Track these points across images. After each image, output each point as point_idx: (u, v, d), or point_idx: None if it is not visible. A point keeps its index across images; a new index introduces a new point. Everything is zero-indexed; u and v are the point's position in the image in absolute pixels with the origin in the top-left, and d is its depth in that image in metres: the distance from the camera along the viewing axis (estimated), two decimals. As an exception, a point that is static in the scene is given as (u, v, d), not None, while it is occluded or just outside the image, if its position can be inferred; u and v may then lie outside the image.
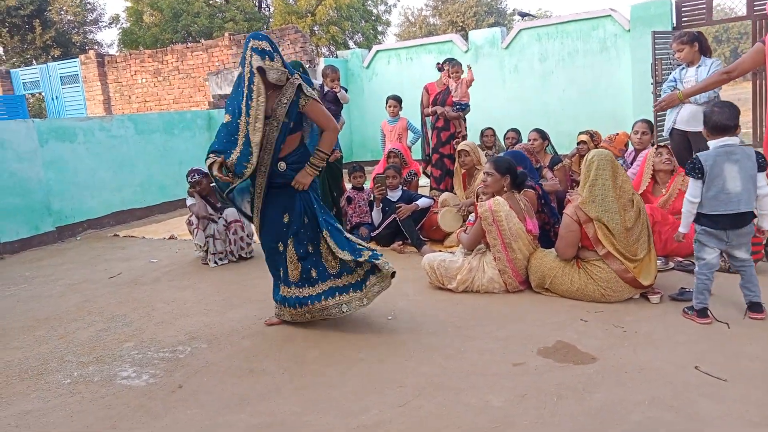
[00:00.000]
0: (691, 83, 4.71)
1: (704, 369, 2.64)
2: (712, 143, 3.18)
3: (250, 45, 3.17)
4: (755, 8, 9.07)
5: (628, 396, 2.47)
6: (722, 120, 3.11)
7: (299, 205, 3.34)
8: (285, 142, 3.28)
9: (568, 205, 3.68)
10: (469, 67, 6.24)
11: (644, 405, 2.39)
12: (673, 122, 4.99)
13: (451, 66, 6.10)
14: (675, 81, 4.96)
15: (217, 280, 4.69)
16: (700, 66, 4.80)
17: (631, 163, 5.12)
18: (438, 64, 6.29)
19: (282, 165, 3.29)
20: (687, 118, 4.82)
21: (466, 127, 6.27)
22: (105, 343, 3.45)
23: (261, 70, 3.14)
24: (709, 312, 3.18)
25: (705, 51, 4.82)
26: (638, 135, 5.07)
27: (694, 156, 3.22)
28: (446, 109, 6.01)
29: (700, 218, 3.18)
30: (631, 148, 5.38)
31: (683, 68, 4.93)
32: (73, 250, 6.22)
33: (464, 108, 6.10)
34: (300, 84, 3.23)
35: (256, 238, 5.60)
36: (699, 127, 3.71)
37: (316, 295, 3.35)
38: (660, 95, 5.19)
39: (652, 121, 5.84)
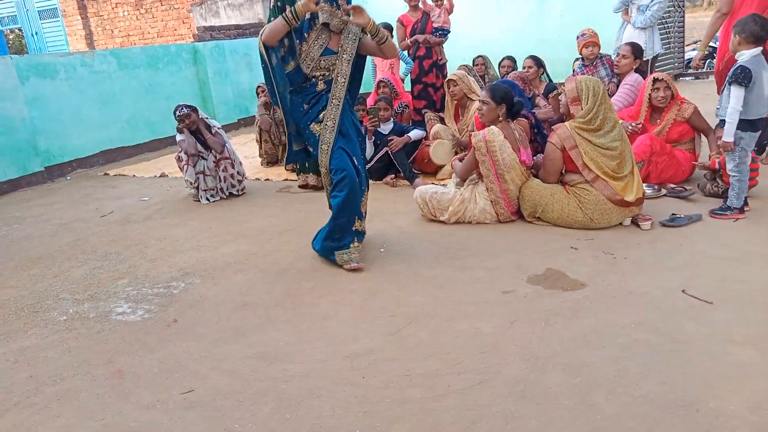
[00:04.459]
0: (641, 5, 5.23)
1: (691, 293, 2.67)
2: (748, 52, 3.41)
3: None
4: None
5: (616, 320, 2.51)
6: (758, 30, 3.38)
7: (350, 125, 3.42)
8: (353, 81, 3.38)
9: (552, 134, 3.67)
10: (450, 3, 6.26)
11: (631, 328, 2.43)
12: (620, 40, 5.42)
13: None
14: (627, 3, 5.43)
15: (209, 216, 4.67)
16: None
17: (616, 87, 5.04)
18: None
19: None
20: (627, 38, 5.26)
21: (444, 55, 6.26)
22: (99, 281, 3.47)
23: (326, 24, 3.22)
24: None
25: None
26: (618, 58, 5.02)
27: (740, 65, 3.41)
28: (428, 36, 5.90)
29: (740, 125, 3.43)
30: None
31: None
32: (63, 189, 6.16)
33: (446, 34, 6.11)
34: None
35: (248, 174, 5.61)
36: None
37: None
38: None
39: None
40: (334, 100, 3.28)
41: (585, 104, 3.57)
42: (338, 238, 3.34)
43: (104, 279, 3.50)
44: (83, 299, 3.22)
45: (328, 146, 3.27)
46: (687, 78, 9.88)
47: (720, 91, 4.65)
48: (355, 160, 3.33)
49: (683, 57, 10.00)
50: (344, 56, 3.27)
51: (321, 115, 3.28)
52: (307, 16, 3.19)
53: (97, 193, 5.81)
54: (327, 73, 3.27)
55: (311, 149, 3.37)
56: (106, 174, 6.77)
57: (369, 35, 3.28)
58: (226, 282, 3.31)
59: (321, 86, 3.29)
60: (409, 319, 2.68)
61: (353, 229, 3.34)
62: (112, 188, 6.00)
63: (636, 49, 4.92)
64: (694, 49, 10.76)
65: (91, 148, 7.25)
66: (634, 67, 4.93)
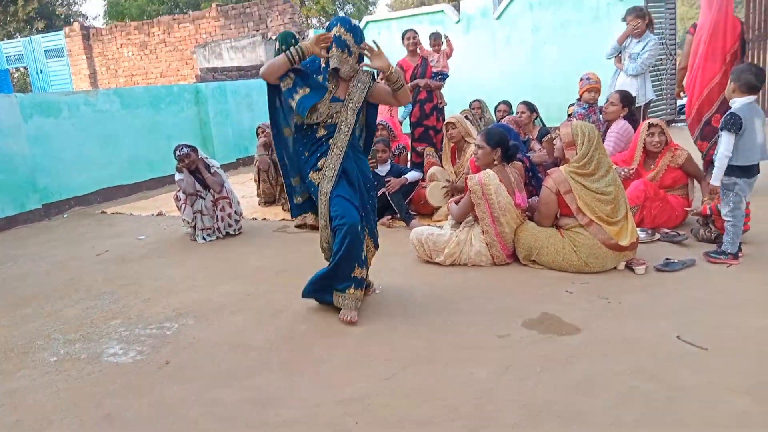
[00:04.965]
0: (633, 53, 5.38)
1: (686, 339, 2.66)
2: (740, 100, 3.50)
3: (334, 31, 3.00)
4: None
5: (611, 367, 2.49)
6: (752, 80, 3.48)
7: (357, 174, 3.23)
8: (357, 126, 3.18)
9: (547, 178, 3.72)
10: (447, 38, 6.34)
11: (626, 375, 2.42)
12: (614, 87, 5.52)
13: (432, 39, 6.24)
14: (620, 49, 5.58)
15: (206, 256, 4.68)
16: (640, 41, 5.33)
17: (603, 134, 5.12)
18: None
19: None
20: (620, 84, 5.41)
21: (444, 99, 6.37)
22: (92, 321, 3.45)
23: (336, 70, 3.05)
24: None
25: (650, 25, 5.41)
26: (606, 104, 5.13)
27: (731, 112, 3.47)
28: (429, 81, 6.00)
29: (734, 171, 3.47)
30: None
31: (631, 39, 5.45)
32: (60, 227, 6.17)
33: (445, 78, 6.20)
34: (373, 72, 3.20)
35: (245, 214, 5.64)
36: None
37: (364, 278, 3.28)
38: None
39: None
40: (335, 149, 3.10)
41: (580, 149, 3.63)
42: (336, 279, 3.18)
43: (97, 319, 3.47)
44: (75, 340, 3.19)
45: (326, 196, 3.09)
46: (679, 124, 10.05)
47: (695, 139, 4.84)
48: (359, 210, 3.17)
49: (675, 103, 10.20)
50: (350, 105, 3.11)
51: (320, 163, 3.12)
52: (322, 64, 3.09)
53: (93, 232, 5.82)
54: (329, 120, 3.10)
55: (314, 198, 3.20)
56: (103, 212, 6.80)
57: (386, 80, 3.09)
58: (220, 323, 3.29)
59: (321, 132, 3.12)
60: (404, 364, 2.66)
61: (352, 275, 3.16)
62: (109, 226, 6.02)
63: (624, 97, 5.03)
64: (684, 96, 11.08)
65: (90, 186, 7.30)
66: (622, 114, 5.02)
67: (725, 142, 3.45)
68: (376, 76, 3.24)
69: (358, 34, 3.04)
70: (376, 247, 3.39)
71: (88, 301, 3.80)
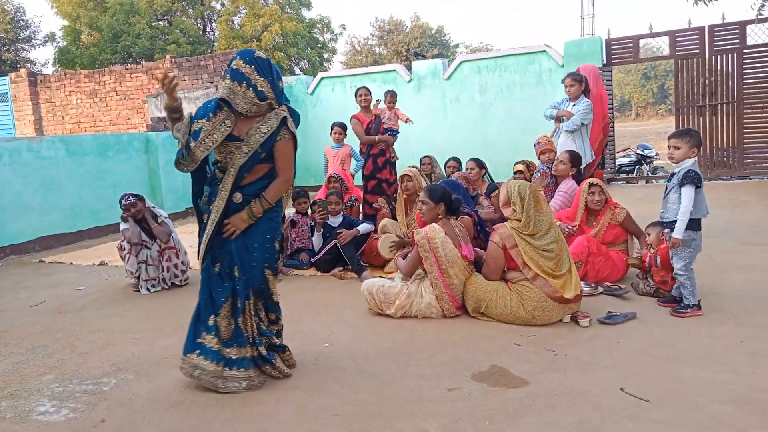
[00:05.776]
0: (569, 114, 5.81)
1: (629, 391, 2.73)
2: (690, 161, 3.70)
3: (232, 64, 2.85)
4: (677, 49, 9.75)
5: (558, 419, 2.52)
6: (701, 141, 3.79)
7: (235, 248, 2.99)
8: (251, 170, 2.93)
9: (493, 233, 3.83)
10: (407, 119, 6.58)
11: (572, 428, 2.44)
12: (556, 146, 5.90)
13: (389, 95, 6.55)
14: (557, 107, 5.96)
15: (149, 307, 4.51)
16: (576, 104, 5.75)
17: (552, 192, 5.36)
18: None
19: (238, 196, 2.92)
20: (561, 143, 5.77)
21: (396, 153, 6.65)
22: (22, 376, 3.24)
23: (224, 101, 2.85)
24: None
25: (586, 91, 5.85)
26: (556, 163, 5.40)
27: (690, 169, 3.65)
28: (386, 137, 6.21)
29: (691, 224, 3.63)
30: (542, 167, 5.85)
31: (568, 100, 5.87)
32: (-7, 277, 5.85)
33: (395, 133, 6.50)
34: (285, 117, 2.93)
35: (193, 264, 5.50)
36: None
37: (236, 359, 2.96)
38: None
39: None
40: (222, 192, 2.91)
41: (515, 208, 3.77)
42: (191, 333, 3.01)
43: (28, 374, 3.27)
44: (1, 397, 2.98)
45: (207, 237, 2.97)
46: (618, 182, 10.59)
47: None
48: (236, 269, 2.98)
49: (614, 163, 10.76)
50: (244, 147, 2.87)
51: (211, 206, 2.97)
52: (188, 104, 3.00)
53: (29, 281, 5.54)
54: (224, 161, 2.91)
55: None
56: (41, 261, 6.50)
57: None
58: (161, 378, 3.15)
59: (219, 174, 2.95)
60: (353, 419, 2.60)
61: (197, 341, 2.97)
62: (46, 276, 5.74)
63: (574, 157, 5.30)
64: (624, 156, 11.78)
65: (28, 234, 7.00)
66: (571, 173, 5.27)
67: (689, 196, 3.59)
68: (290, 126, 2.95)
69: (263, 66, 2.85)
70: (267, 310, 3.07)
71: (19, 355, 3.58)
